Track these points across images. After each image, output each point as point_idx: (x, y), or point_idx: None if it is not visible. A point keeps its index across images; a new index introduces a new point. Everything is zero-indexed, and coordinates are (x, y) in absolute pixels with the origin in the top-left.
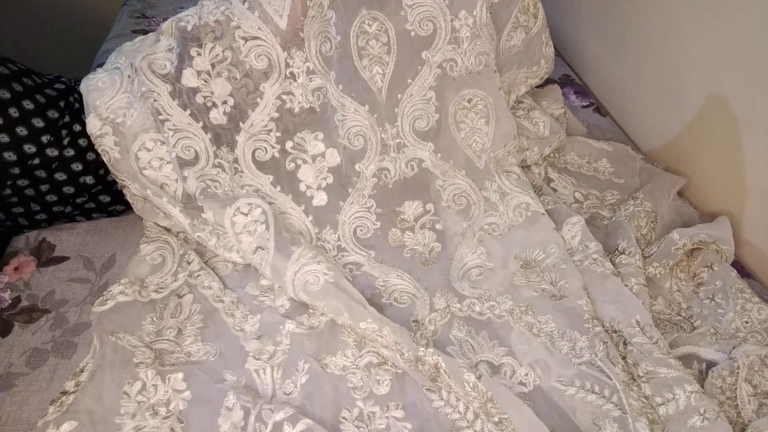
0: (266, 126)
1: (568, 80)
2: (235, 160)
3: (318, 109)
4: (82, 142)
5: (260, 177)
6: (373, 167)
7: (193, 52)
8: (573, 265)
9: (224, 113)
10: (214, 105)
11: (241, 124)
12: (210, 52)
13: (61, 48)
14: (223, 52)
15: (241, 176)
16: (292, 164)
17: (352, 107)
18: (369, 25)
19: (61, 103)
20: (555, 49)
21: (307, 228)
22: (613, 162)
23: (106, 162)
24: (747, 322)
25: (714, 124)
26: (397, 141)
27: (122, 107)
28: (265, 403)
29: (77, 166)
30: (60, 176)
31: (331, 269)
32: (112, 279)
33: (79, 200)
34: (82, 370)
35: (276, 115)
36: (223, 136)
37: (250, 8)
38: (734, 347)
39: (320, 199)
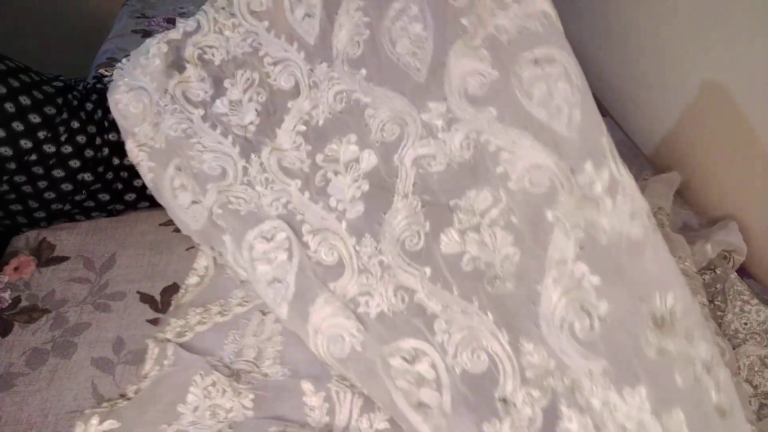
0: (294, 141)
1: None
2: (262, 168)
3: (343, 114)
4: (80, 138)
5: (288, 183)
6: (413, 154)
7: (226, 83)
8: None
9: (251, 132)
10: (242, 126)
11: (267, 140)
12: (241, 78)
13: (61, 48)
14: (252, 77)
15: (272, 187)
16: (323, 180)
17: (385, 97)
18: (403, 10)
19: (59, 100)
20: None
21: (341, 239)
22: None
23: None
24: (746, 324)
25: (716, 124)
26: (449, 116)
27: (151, 132)
28: None
29: (75, 163)
30: (58, 173)
31: (361, 331)
32: (112, 279)
33: (77, 198)
34: (146, 376)
35: (303, 128)
36: (251, 152)
37: (277, 35)
38: (734, 348)
39: (355, 210)
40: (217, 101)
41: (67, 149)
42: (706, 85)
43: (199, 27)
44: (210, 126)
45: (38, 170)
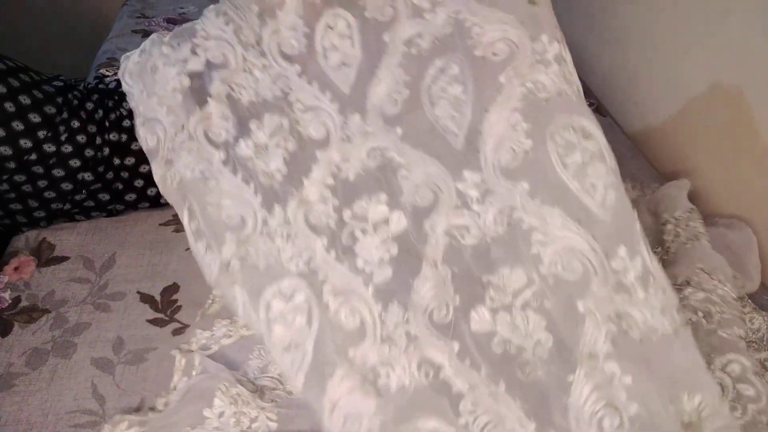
0: (322, 194)
1: None
2: (286, 221)
3: (376, 171)
4: (80, 138)
5: (313, 240)
6: (444, 224)
7: (252, 125)
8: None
9: (278, 181)
10: (267, 173)
11: (294, 191)
12: (269, 124)
13: (61, 48)
14: (281, 122)
15: (293, 242)
16: (350, 239)
17: (420, 160)
18: (444, 71)
19: (59, 100)
20: None
21: (366, 305)
22: None
23: None
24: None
25: (718, 124)
26: (484, 188)
27: (161, 170)
28: None
29: (75, 163)
30: (58, 172)
31: (380, 409)
32: (112, 279)
33: (77, 197)
34: (174, 388)
35: (331, 182)
36: (275, 202)
37: (309, 82)
38: None
39: (383, 274)
40: (241, 142)
41: (67, 149)
42: (712, 86)
43: (226, 62)
44: (230, 170)
45: (38, 169)
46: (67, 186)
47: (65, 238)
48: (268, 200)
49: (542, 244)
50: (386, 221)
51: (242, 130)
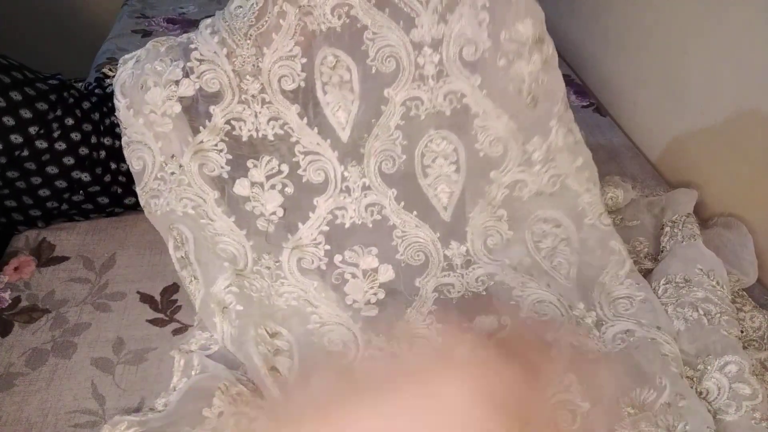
0: (315, 239)
1: (568, 80)
2: (278, 266)
3: (371, 225)
4: (74, 136)
5: (304, 283)
6: (434, 282)
7: (249, 164)
8: (695, 398)
9: (272, 224)
10: (263, 215)
11: (289, 236)
12: (266, 164)
13: (61, 48)
14: (279, 165)
15: (282, 283)
16: (339, 279)
17: (413, 223)
18: (437, 144)
19: (53, 97)
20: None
21: (353, 336)
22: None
23: None
24: (741, 332)
25: (717, 123)
26: (467, 258)
27: (143, 198)
28: None
29: (69, 160)
30: (51, 170)
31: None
32: (112, 279)
33: (75, 198)
34: (174, 388)
35: (326, 228)
36: (267, 246)
37: (309, 124)
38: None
39: (370, 312)
40: (238, 182)
41: (61, 146)
42: (711, 86)
43: (221, 93)
44: (224, 212)
45: (30, 166)
46: (61, 184)
47: (65, 238)
48: (260, 247)
49: (521, 298)
50: (376, 270)
51: (239, 167)
